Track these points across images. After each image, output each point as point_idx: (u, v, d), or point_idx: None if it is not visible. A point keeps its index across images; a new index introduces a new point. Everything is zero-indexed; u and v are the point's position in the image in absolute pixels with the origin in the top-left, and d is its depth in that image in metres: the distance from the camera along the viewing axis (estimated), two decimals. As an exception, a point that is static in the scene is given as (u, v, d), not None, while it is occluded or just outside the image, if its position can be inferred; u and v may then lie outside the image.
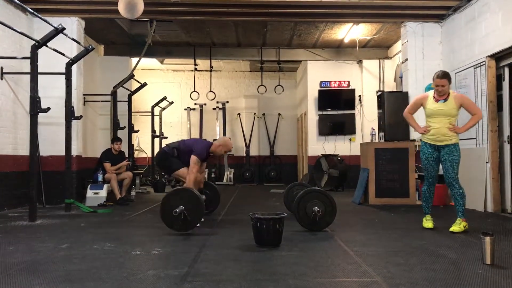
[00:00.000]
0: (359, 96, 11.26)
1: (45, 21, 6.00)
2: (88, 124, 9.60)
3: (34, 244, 4.11)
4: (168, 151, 5.60)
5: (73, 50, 7.36)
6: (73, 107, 6.74)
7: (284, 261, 3.38)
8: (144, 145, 13.00)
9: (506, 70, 6.22)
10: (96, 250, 3.81)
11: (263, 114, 13.88)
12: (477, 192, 6.46)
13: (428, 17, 8.00)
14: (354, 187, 8.30)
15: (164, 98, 11.71)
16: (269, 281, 2.84)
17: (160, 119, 12.44)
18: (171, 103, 12.48)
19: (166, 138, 11.83)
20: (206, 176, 10.66)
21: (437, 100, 4.74)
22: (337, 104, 11.30)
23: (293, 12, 7.96)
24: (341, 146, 11.18)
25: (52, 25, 5.81)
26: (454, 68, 7.34)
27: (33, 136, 5.81)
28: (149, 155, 12.19)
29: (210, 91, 12.06)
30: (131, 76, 9.32)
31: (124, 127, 9.33)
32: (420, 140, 6.10)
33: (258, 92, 12.23)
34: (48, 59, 6.71)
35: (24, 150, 7.01)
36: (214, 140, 6.59)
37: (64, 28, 5.82)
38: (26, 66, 6.30)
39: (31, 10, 6.21)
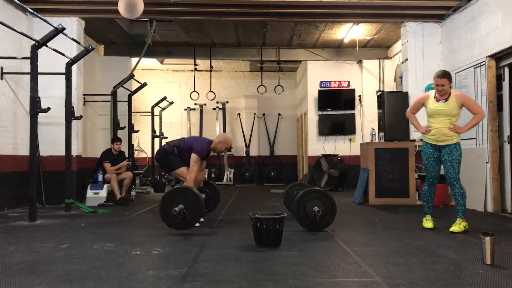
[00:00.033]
0: (359, 96, 11.26)
1: (45, 21, 5.99)
2: (88, 124, 9.60)
3: (34, 244, 4.11)
4: (168, 149, 5.58)
5: (73, 50, 7.37)
6: (73, 107, 6.74)
7: (284, 261, 3.38)
8: (144, 145, 13.00)
9: (506, 70, 6.22)
10: (96, 250, 3.81)
11: (263, 114, 13.88)
12: (477, 192, 6.46)
13: (428, 17, 8.00)
14: (354, 187, 8.30)
15: (164, 98, 11.72)
16: (269, 281, 2.84)
17: (160, 119, 12.45)
18: (171, 103, 12.49)
19: (166, 138, 11.82)
20: (206, 176, 10.66)
21: (438, 100, 4.73)
22: (337, 104, 11.29)
23: (293, 12, 7.96)
24: (341, 146, 11.18)
25: (52, 25, 5.81)
26: (454, 68, 7.34)
27: (33, 136, 5.81)
28: (149, 155, 12.19)
29: (210, 91, 12.06)
30: (131, 76, 9.32)
31: (124, 127, 9.33)
32: (421, 140, 6.10)
33: (258, 92, 12.24)
34: (48, 59, 6.71)
35: (24, 150, 7.01)
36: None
37: (64, 28, 5.82)
38: (26, 66, 6.30)
39: (31, 10, 6.21)
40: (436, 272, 3.04)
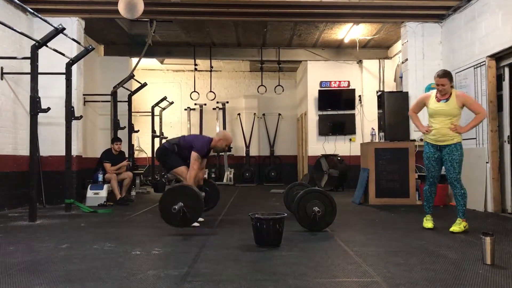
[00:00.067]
0: (359, 96, 11.26)
1: (45, 21, 5.99)
2: (88, 124, 9.60)
3: (34, 244, 4.11)
4: (168, 147, 5.57)
5: (73, 50, 7.37)
6: (73, 107, 6.74)
7: (284, 261, 3.38)
8: (144, 145, 13.00)
9: (506, 70, 6.22)
10: (96, 250, 3.81)
11: (263, 114, 13.87)
12: (477, 192, 6.46)
13: (428, 17, 8.00)
14: (354, 187, 8.30)
15: (164, 98, 11.72)
16: (269, 281, 2.84)
17: (160, 119, 12.45)
18: (171, 103, 12.49)
19: (166, 138, 11.82)
20: (206, 175, 10.65)
21: (439, 100, 4.71)
22: (337, 104, 11.29)
23: (293, 12, 7.96)
24: (341, 146, 11.18)
25: (52, 25, 5.81)
26: (454, 68, 7.33)
27: (33, 136, 5.81)
28: (149, 155, 12.19)
29: (210, 91, 12.06)
30: (131, 76, 9.32)
31: (124, 127, 9.33)
32: (421, 139, 6.09)
33: (258, 92, 12.24)
34: (48, 59, 6.71)
35: (24, 150, 7.01)
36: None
37: (64, 28, 5.82)
38: (26, 66, 6.30)
39: (31, 10, 6.21)
40: (436, 272, 3.04)
